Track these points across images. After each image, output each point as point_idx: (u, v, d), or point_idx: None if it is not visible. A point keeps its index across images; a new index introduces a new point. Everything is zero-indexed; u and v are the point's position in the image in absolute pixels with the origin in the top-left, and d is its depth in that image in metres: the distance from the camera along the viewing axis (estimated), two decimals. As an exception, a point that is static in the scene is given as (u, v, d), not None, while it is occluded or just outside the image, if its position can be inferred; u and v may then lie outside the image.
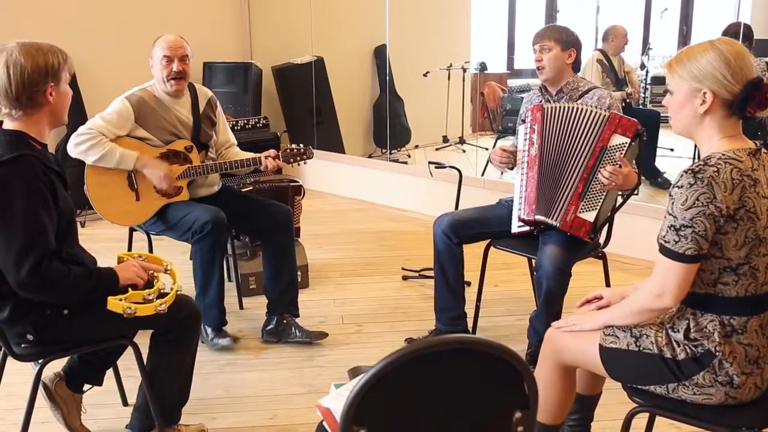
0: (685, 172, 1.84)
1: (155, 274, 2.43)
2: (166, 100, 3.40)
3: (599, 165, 2.90)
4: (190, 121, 3.45)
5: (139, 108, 3.33)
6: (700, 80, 1.88)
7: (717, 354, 1.88)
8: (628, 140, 2.88)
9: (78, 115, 5.09)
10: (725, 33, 4.79)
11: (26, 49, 2.16)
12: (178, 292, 2.39)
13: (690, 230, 1.83)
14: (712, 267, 1.88)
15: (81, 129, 3.25)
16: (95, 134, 3.23)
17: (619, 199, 3.19)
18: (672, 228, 1.86)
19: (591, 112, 2.95)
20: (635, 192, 3.02)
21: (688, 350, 1.92)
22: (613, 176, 2.84)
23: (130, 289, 2.32)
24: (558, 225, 2.95)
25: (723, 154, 1.85)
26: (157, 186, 3.31)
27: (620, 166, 2.85)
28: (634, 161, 3.03)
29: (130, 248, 3.71)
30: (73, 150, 3.24)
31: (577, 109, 2.99)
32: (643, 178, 5.76)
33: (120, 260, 2.47)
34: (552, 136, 3.02)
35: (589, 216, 2.92)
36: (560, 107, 3.03)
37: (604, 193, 2.91)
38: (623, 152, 2.87)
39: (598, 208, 2.91)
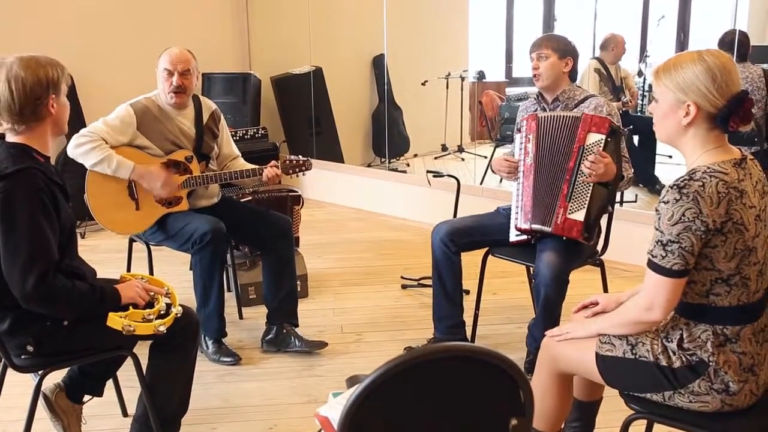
0: (671, 187, 1.85)
1: (156, 296, 2.44)
2: (170, 111, 3.42)
3: (579, 164, 2.94)
4: (193, 132, 3.47)
5: (142, 116, 3.36)
6: (685, 92, 1.88)
7: (711, 363, 1.89)
8: (604, 136, 2.93)
9: (78, 126, 5.10)
10: (721, 41, 4.81)
11: (26, 63, 2.18)
12: (177, 315, 2.40)
13: (676, 245, 1.84)
14: (704, 279, 1.89)
15: (83, 131, 3.27)
16: (96, 138, 3.26)
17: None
18: (659, 243, 1.87)
19: (568, 117, 3.02)
20: (622, 180, 3.04)
21: (683, 359, 1.93)
22: (594, 165, 2.88)
23: (131, 307, 2.34)
24: (551, 230, 2.97)
25: (708, 168, 1.85)
26: (157, 195, 3.32)
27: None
28: (625, 151, 3.10)
29: (129, 259, 3.72)
30: (73, 150, 3.26)
31: (562, 116, 3.04)
32: (641, 185, 5.80)
33: (122, 280, 2.48)
34: (545, 146, 3.05)
35: (579, 215, 2.94)
36: (552, 116, 3.06)
37: (590, 188, 2.93)
38: (600, 148, 2.92)
39: (586, 206, 2.93)
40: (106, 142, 3.28)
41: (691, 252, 1.84)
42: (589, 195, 2.93)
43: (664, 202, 1.85)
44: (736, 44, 4.61)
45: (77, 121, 5.25)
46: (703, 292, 1.91)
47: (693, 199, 1.81)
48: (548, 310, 2.95)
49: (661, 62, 1.96)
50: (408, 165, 7.15)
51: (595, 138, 2.94)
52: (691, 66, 1.88)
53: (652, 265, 1.89)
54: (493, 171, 3.38)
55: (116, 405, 2.92)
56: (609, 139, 2.93)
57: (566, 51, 3.18)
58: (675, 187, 1.84)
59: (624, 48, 5.91)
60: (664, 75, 1.92)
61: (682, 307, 1.96)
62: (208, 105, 3.59)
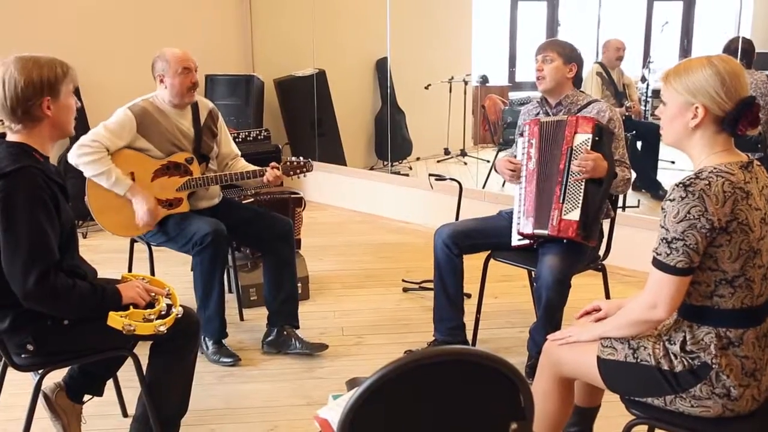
0: (677, 185, 1.86)
1: (157, 296, 2.44)
2: (169, 112, 3.42)
3: (569, 165, 2.96)
4: (191, 132, 3.47)
5: (142, 118, 3.36)
6: (694, 94, 1.90)
7: (714, 366, 1.89)
8: (590, 135, 2.96)
9: (81, 127, 5.09)
10: (726, 48, 4.80)
11: (23, 63, 2.17)
12: (178, 316, 2.40)
13: (681, 243, 1.84)
14: (708, 279, 1.90)
15: (85, 140, 3.27)
16: (100, 148, 3.25)
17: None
18: (664, 241, 1.88)
19: (558, 121, 3.04)
20: (616, 178, 3.04)
21: (685, 362, 1.92)
22: (583, 163, 2.90)
23: (131, 307, 2.33)
24: (548, 232, 2.97)
25: (714, 168, 1.87)
26: (137, 219, 3.29)
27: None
28: (624, 150, 3.12)
29: (131, 260, 3.72)
30: (74, 159, 3.26)
31: (555, 121, 3.06)
32: (643, 190, 5.80)
33: (123, 280, 2.48)
34: (546, 150, 3.06)
35: (574, 215, 2.95)
36: (551, 122, 3.07)
37: (581, 187, 2.94)
38: (588, 147, 2.94)
39: (579, 205, 2.93)
40: (108, 151, 3.28)
41: (696, 250, 1.84)
42: (581, 194, 2.94)
43: (670, 199, 1.87)
44: (740, 51, 4.60)
45: (80, 122, 5.23)
46: (708, 294, 1.91)
47: (699, 197, 1.82)
48: (549, 314, 2.94)
49: (671, 66, 1.97)
50: (410, 168, 7.15)
51: (582, 138, 2.97)
52: (701, 70, 1.90)
53: (657, 263, 1.90)
54: (496, 171, 3.39)
55: (116, 405, 2.92)
56: (596, 138, 2.95)
57: (571, 57, 3.19)
58: (681, 185, 1.85)
59: (617, 53, 5.91)
60: (673, 78, 1.94)
61: (685, 309, 1.96)
62: (205, 104, 3.59)
